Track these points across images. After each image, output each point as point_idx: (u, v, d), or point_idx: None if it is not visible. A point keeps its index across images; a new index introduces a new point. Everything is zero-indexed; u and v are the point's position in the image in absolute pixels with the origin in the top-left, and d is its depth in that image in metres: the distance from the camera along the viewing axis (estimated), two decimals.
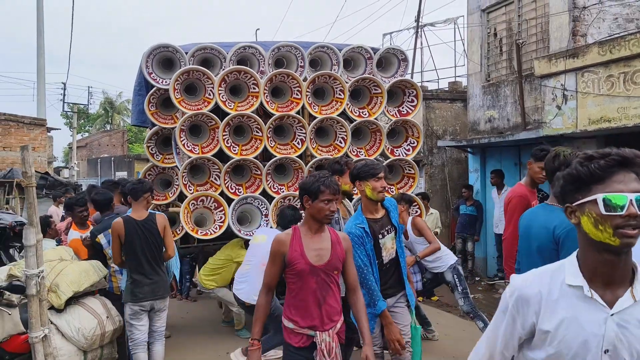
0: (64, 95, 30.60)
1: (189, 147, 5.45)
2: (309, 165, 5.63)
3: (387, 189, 3.20)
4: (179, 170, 5.89)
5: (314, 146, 5.70)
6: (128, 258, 4.12)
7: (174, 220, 6.24)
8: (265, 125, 5.51)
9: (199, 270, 8.55)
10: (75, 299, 4.03)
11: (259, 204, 5.62)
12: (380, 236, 3.16)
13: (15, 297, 3.81)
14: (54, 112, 72.76)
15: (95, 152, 35.97)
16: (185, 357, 5.20)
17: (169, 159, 6.06)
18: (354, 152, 5.88)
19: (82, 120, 41.47)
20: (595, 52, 6.78)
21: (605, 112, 6.76)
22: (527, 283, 1.42)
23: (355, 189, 3.35)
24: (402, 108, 6.06)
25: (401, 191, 6.01)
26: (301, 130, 5.68)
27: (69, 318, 3.90)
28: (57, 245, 5.11)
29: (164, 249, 4.26)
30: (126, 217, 4.17)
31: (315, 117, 5.70)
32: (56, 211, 8.87)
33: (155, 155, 5.98)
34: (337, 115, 5.68)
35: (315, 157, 5.65)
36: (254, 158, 5.55)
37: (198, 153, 5.47)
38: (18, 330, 3.69)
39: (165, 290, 4.25)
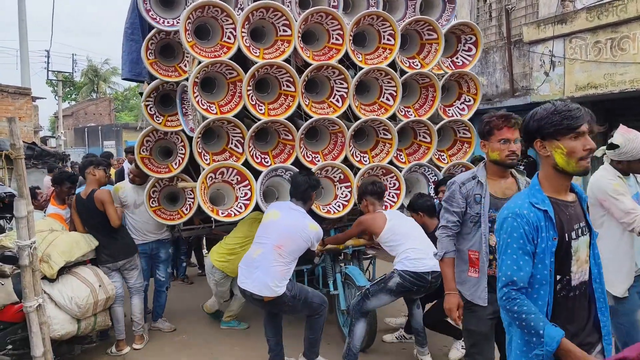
0: (48, 63, 30.07)
1: (204, 105, 4.28)
2: (352, 129, 4.57)
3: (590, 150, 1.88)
4: (185, 134, 4.74)
5: (356, 104, 4.64)
6: (87, 230, 4.54)
7: (176, 197, 5.11)
8: (299, 78, 4.39)
9: (193, 250, 7.55)
10: (67, 269, 4.15)
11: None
12: (573, 235, 1.95)
13: (7, 268, 3.94)
14: (39, 80, 71.45)
15: (82, 121, 36.17)
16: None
17: (171, 121, 4.87)
18: (401, 111, 4.85)
19: (68, 89, 40.91)
20: (583, 18, 6.67)
21: (592, 79, 6.72)
22: None
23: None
24: (457, 58, 5.04)
25: (455, 159, 5.06)
26: (341, 84, 4.59)
27: (62, 287, 4.02)
28: (44, 217, 5.16)
29: None
30: (77, 194, 4.67)
31: (354, 69, 4.62)
32: (49, 182, 8.84)
33: (155, 116, 4.78)
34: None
35: (360, 118, 4.59)
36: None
37: (215, 113, 4.32)
38: (11, 300, 3.83)
39: (126, 253, 4.63)
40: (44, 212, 5.42)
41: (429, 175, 4.92)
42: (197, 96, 4.23)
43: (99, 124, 33.10)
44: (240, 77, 4.32)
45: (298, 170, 4.46)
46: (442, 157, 5.08)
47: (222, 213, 4.34)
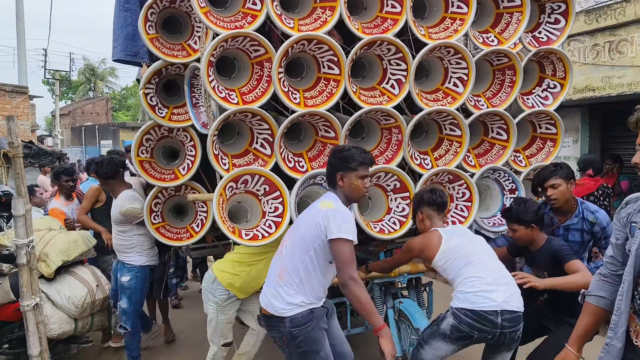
0: (45, 62, 30.04)
1: (221, 93, 3.24)
2: (412, 123, 3.52)
3: None
4: (195, 131, 3.73)
5: (416, 91, 3.59)
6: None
7: (183, 209, 4.09)
8: (345, 58, 3.35)
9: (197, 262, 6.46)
10: (65, 268, 4.14)
11: None
12: None
13: (5, 266, 4.00)
14: (36, 79, 72.85)
15: (79, 120, 36.35)
16: None
17: (178, 114, 3.83)
18: (470, 101, 3.79)
19: (65, 88, 41.53)
20: (581, 21, 6.63)
21: (590, 81, 6.73)
22: None
23: None
24: (539, 33, 3.98)
25: (534, 161, 4.01)
26: (398, 65, 3.54)
27: (59, 287, 4.03)
28: (44, 215, 5.38)
29: None
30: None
31: (409, 47, 3.57)
32: (44, 180, 9.17)
33: (157, 108, 3.74)
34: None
35: (424, 109, 3.53)
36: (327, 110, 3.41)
37: (237, 103, 3.28)
38: (8, 299, 3.85)
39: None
40: (44, 210, 5.72)
41: (504, 181, 3.88)
42: (212, 80, 3.19)
43: (96, 123, 33.17)
44: (269, 55, 3.27)
45: None
46: (519, 158, 4.03)
47: (247, 235, 3.30)
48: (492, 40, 3.74)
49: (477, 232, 3.64)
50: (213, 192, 3.83)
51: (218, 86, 3.26)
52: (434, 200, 3.16)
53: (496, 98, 3.84)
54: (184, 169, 3.84)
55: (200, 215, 3.95)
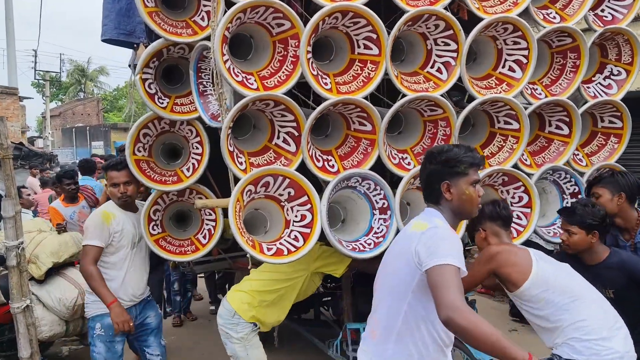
0: (35, 62, 29.79)
1: (237, 77, 2.65)
2: (463, 115, 2.95)
3: None
4: (202, 125, 3.14)
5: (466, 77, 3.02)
6: None
7: (186, 217, 3.50)
8: (387, 35, 2.77)
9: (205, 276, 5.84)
10: (55, 270, 4.04)
11: (369, 188, 2.93)
12: None
13: None
14: (25, 80, 72.29)
15: (70, 121, 35.99)
16: None
17: (181, 104, 3.23)
18: (527, 89, 3.23)
19: (55, 89, 41.43)
20: None
21: None
22: None
23: None
24: (603, 11, 3.43)
25: (596, 160, 3.46)
26: (446, 45, 2.97)
27: (50, 288, 3.95)
28: (33, 216, 5.47)
29: None
30: None
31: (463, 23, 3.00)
32: (33, 182, 9.08)
33: (157, 98, 3.13)
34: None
35: (478, 98, 2.96)
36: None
37: (256, 88, 2.69)
38: None
39: None
40: (33, 212, 5.70)
41: (565, 184, 3.32)
42: (227, 61, 2.60)
43: (87, 125, 33.06)
44: (296, 30, 2.69)
45: (379, 176, 2.86)
46: (578, 156, 3.47)
47: (269, 249, 2.70)
48: (554, 17, 3.18)
49: (527, 244, 3.06)
50: (222, 196, 3.29)
51: (233, 68, 2.67)
52: (498, 214, 2.57)
53: (555, 86, 3.28)
54: (188, 169, 3.24)
55: (207, 224, 3.35)
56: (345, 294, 3.50)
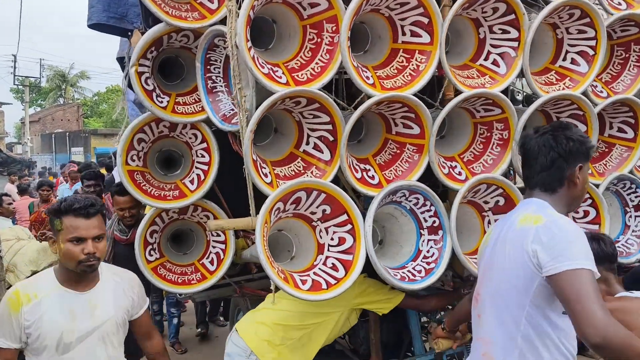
0: (15, 68, 29.08)
1: (262, 66, 2.13)
2: (525, 116, 2.48)
3: None
4: (209, 128, 2.62)
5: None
6: None
7: (180, 238, 2.96)
8: (441, 20, 2.29)
9: None
10: None
11: (416, 203, 2.44)
12: None
13: None
14: (4, 85, 72.16)
15: (49, 127, 35.26)
16: None
17: (184, 104, 2.68)
18: (596, 85, 2.79)
19: (34, 95, 40.80)
20: None
21: None
22: None
23: None
24: None
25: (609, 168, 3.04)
26: (505, 33, 2.51)
27: None
28: (13, 224, 5.56)
29: None
30: None
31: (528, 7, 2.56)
32: (11, 189, 9.01)
33: (155, 95, 2.57)
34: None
35: (541, 97, 2.50)
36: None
37: (286, 82, 2.17)
38: None
39: None
40: (12, 220, 5.73)
41: (629, 195, 2.90)
42: (250, 48, 2.07)
43: (66, 130, 32.25)
44: (335, 11, 2.18)
45: (430, 190, 2.38)
46: (638, 164, 3.06)
47: (303, 282, 2.17)
48: (619, 4, 2.76)
49: None
50: (231, 214, 2.76)
51: (257, 58, 2.14)
52: (605, 253, 2.08)
53: (617, 82, 2.86)
54: (192, 182, 2.69)
55: (214, 247, 2.80)
56: (374, 330, 2.95)
